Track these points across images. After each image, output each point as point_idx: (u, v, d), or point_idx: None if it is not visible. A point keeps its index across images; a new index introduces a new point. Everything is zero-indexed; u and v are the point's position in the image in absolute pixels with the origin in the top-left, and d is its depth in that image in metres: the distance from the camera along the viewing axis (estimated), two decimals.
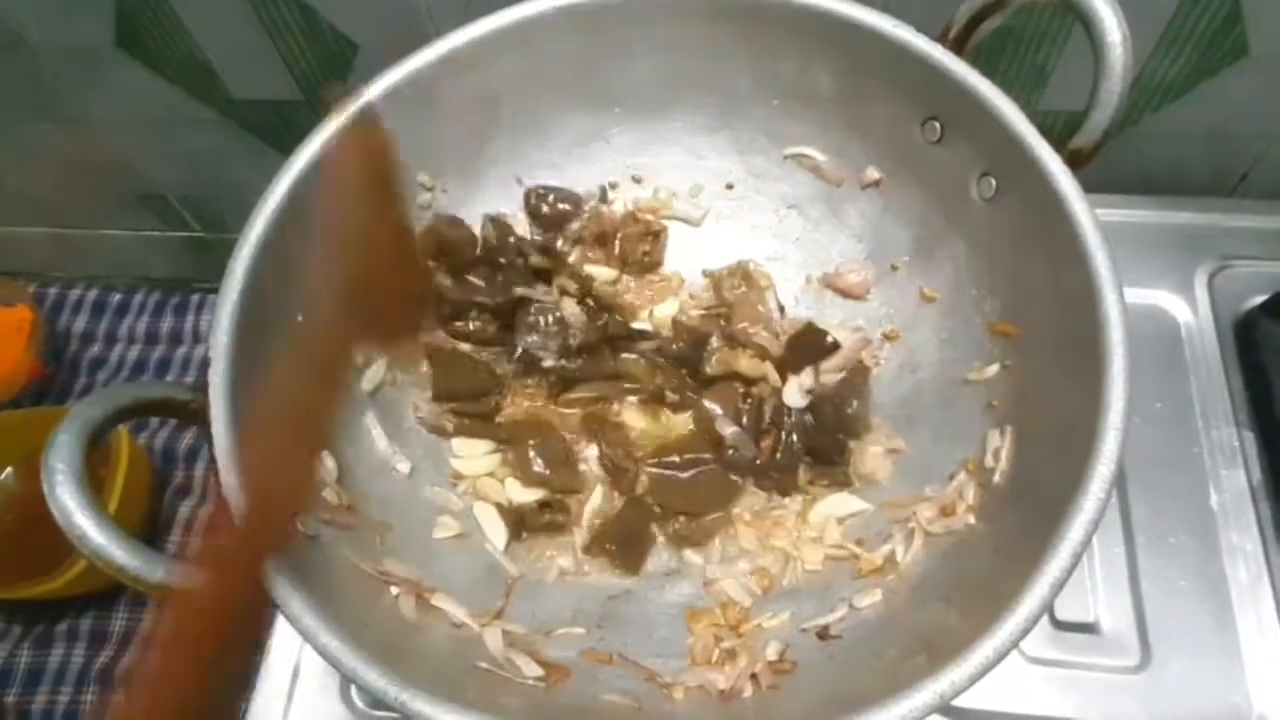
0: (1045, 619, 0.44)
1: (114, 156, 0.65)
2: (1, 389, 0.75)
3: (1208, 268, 0.51)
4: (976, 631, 0.28)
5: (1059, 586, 0.29)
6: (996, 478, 0.36)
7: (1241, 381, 0.48)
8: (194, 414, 0.33)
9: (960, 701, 0.41)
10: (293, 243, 0.37)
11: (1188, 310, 0.50)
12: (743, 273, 0.46)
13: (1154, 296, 0.50)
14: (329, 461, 0.37)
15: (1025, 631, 0.28)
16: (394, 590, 0.35)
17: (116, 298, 0.83)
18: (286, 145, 0.60)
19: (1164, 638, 0.42)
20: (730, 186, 0.47)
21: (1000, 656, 0.28)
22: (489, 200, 0.45)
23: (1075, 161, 0.35)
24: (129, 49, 0.55)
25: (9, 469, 0.74)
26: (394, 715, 0.42)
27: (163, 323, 0.81)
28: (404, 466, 0.41)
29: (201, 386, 0.33)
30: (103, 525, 0.28)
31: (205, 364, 0.81)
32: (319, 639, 0.29)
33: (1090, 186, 0.51)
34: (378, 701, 0.42)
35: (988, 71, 0.36)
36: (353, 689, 0.44)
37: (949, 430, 0.40)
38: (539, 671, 0.34)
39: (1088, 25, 0.33)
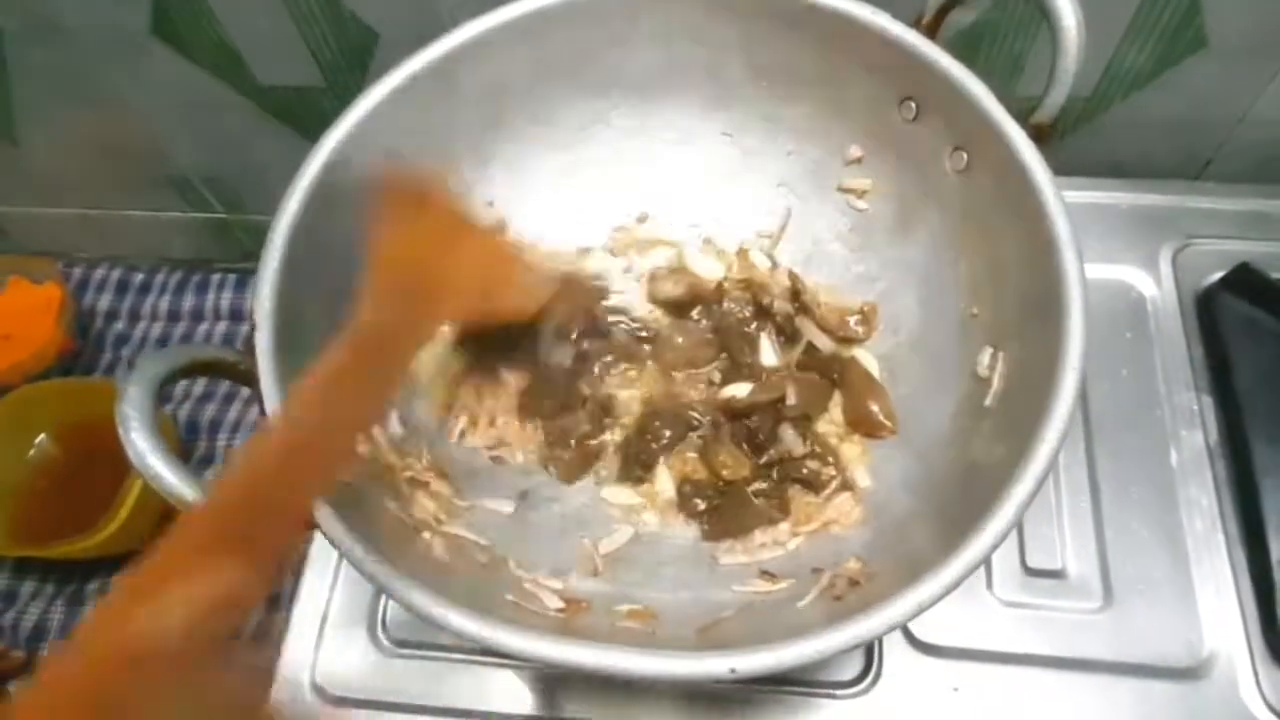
0: (1018, 566, 0.47)
1: (143, 140, 0.68)
2: (33, 362, 0.78)
3: (1172, 245, 0.54)
4: (950, 551, 0.31)
5: (1024, 507, 0.31)
6: None
7: (1201, 350, 0.51)
8: (243, 374, 0.36)
9: (939, 639, 0.45)
10: (323, 216, 0.40)
11: (1153, 285, 0.53)
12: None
13: (1122, 272, 0.54)
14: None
15: (993, 547, 0.31)
16: (425, 535, 0.38)
17: (140, 276, 0.86)
18: (310, 129, 0.64)
19: (1125, 582, 0.46)
20: (723, 165, 0.50)
21: (970, 570, 0.30)
22: (496, 181, 0.48)
23: (1038, 136, 0.38)
24: (162, 36, 0.58)
25: (42, 435, 0.77)
26: (418, 654, 0.46)
27: (184, 301, 0.84)
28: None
29: (250, 349, 0.36)
30: (173, 465, 0.31)
31: (227, 340, 0.84)
32: (366, 566, 0.32)
33: (1064, 170, 0.55)
34: (403, 641, 0.46)
35: (967, 60, 0.39)
36: (379, 630, 0.47)
37: (928, 385, 0.43)
38: (560, 604, 0.37)
39: (1045, 11, 0.36)
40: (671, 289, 0.50)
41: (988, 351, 0.39)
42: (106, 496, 0.69)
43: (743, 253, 0.50)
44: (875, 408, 0.44)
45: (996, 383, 0.38)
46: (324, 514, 0.33)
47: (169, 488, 0.31)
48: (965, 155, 0.40)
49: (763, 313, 0.48)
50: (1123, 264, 0.54)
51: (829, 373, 0.46)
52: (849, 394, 0.45)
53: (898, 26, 0.40)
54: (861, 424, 0.44)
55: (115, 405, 0.32)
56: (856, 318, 0.47)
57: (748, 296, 0.49)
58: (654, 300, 0.50)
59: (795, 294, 0.47)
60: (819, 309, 0.47)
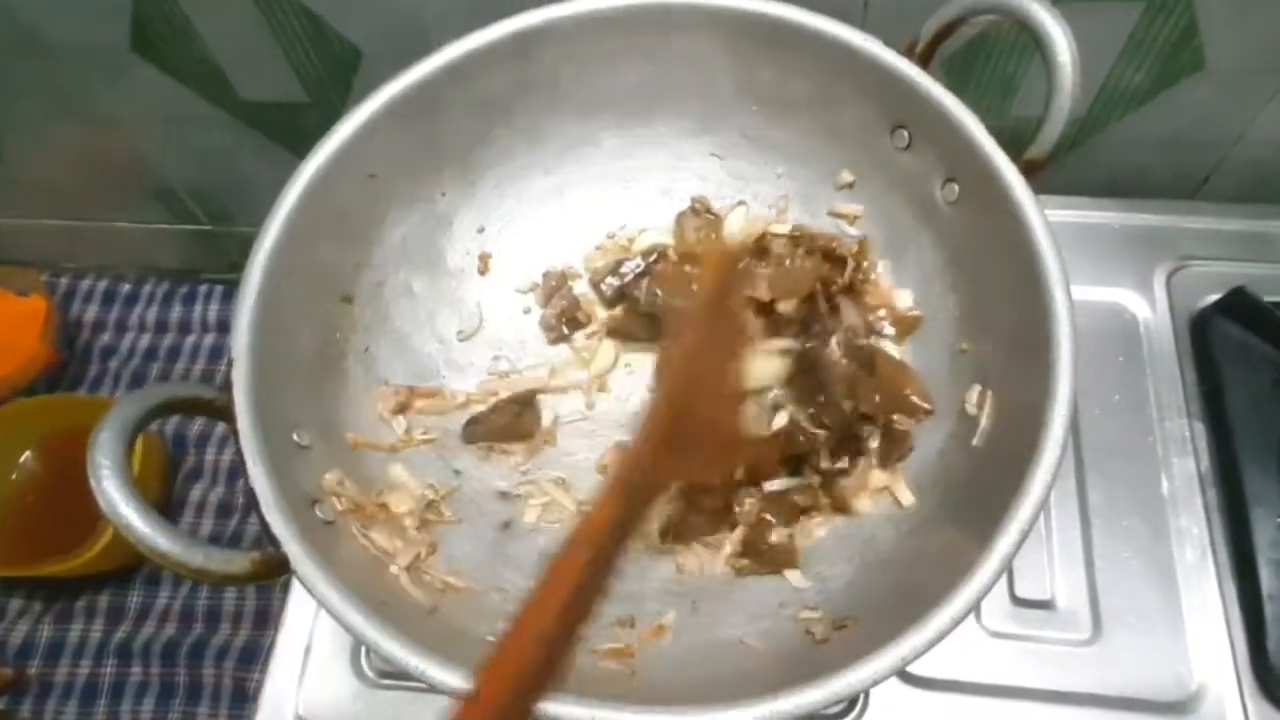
0: (1006, 596, 0.47)
1: (127, 153, 0.68)
2: (18, 376, 0.78)
3: (1167, 267, 0.54)
4: (938, 598, 0.31)
5: (1009, 558, 0.31)
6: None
7: (1195, 375, 0.51)
8: (220, 411, 0.35)
9: (928, 672, 0.45)
10: (305, 243, 0.39)
11: (1147, 308, 0.53)
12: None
13: (1116, 295, 0.53)
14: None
15: (979, 598, 0.30)
16: (405, 576, 0.38)
17: (126, 287, 0.85)
18: (293, 144, 0.64)
19: (1114, 613, 0.45)
20: (711, 187, 0.49)
21: (956, 622, 0.30)
22: (483, 203, 0.47)
23: (1030, 170, 0.37)
24: (143, 52, 0.57)
25: (28, 452, 0.77)
26: (400, 684, 0.46)
27: (171, 312, 0.83)
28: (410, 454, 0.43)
29: (226, 385, 0.35)
30: (146, 515, 0.30)
31: (215, 352, 0.84)
32: (346, 617, 0.31)
33: (1059, 189, 0.54)
34: (386, 672, 0.46)
35: (961, 81, 0.39)
36: (362, 661, 0.47)
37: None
38: None
39: (1041, 46, 0.36)
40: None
41: (976, 389, 0.39)
42: (94, 513, 0.68)
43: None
44: (909, 391, 0.42)
45: (984, 422, 0.38)
46: (299, 558, 0.32)
47: (140, 537, 0.31)
48: (956, 187, 0.40)
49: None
50: (1116, 286, 0.53)
51: (862, 360, 0.43)
52: (881, 382, 0.43)
53: (890, 55, 0.39)
54: (898, 407, 0.42)
55: (88, 451, 0.31)
56: (889, 319, 0.44)
57: (799, 253, 0.45)
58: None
59: (859, 264, 0.44)
60: (866, 296, 0.45)
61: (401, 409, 0.44)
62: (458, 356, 0.47)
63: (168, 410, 0.35)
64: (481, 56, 0.42)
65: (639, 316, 0.48)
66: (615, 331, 0.48)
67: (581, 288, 0.49)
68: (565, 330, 0.48)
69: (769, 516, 0.41)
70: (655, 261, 0.48)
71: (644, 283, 0.48)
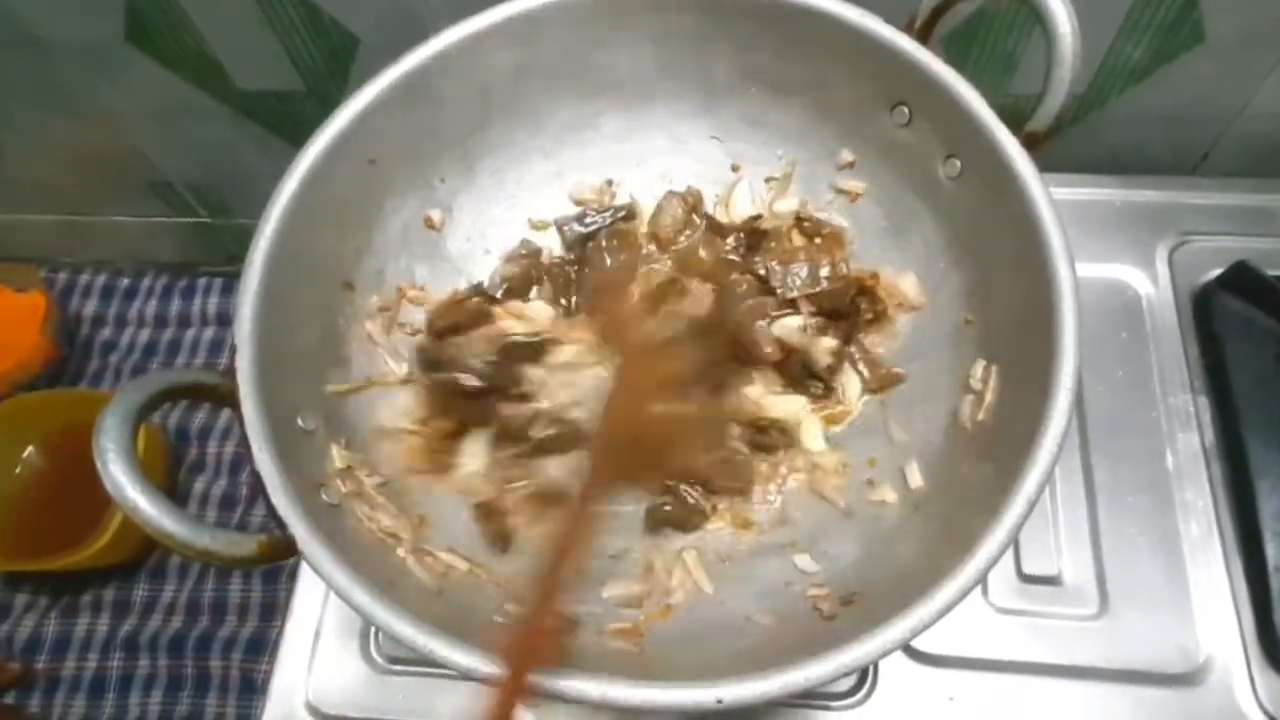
0: (1013, 573, 0.47)
1: (123, 146, 0.67)
2: (19, 372, 0.77)
3: (1169, 243, 0.54)
4: (944, 572, 0.31)
5: (1015, 530, 0.31)
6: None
7: (1198, 350, 0.51)
8: (224, 396, 0.35)
9: (937, 648, 0.45)
10: (305, 230, 0.39)
11: (1149, 283, 0.53)
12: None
13: (1118, 271, 0.53)
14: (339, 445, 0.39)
15: (986, 571, 0.30)
16: (411, 559, 0.38)
17: (125, 282, 0.85)
18: (291, 134, 0.63)
19: (1121, 588, 0.45)
20: (713, 169, 0.49)
21: (964, 594, 0.30)
22: (483, 190, 0.47)
23: (1031, 144, 0.37)
24: (138, 44, 0.57)
25: (31, 447, 0.77)
26: (410, 669, 0.46)
27: (170, 306, 0.83)
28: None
29: (230, 372, 0.35)
30: (153, 498, 0.30)
31: (215, 345, 0.84)
32: (354, 597, 0.31)
33: (1059, 166, 0.54)
34: (395, 658, 0.46)
35: (960, 58, 0.38)
36: (371, 647, 0.47)
37: (921, 393, 0.42)
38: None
39: (1040, 18, 0.35)
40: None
41: (980, 364, 0.39)
42: (98, 507, 0.69)
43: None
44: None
45: (989, 396, 0.38)
46: (307, 540, 0.32)
47: (148, 519, 0.30)
48: (958, 163, 0.40)
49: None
50: (1118, 262, 0.53)
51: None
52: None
53: (889, 30, 0.39)
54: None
55: (94, 436, 0.31)
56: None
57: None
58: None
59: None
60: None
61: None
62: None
63: (171, 396, 0.35)
64: (478, 41, 0.42)
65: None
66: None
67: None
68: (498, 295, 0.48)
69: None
70: (623, 217, 0.48)
71: (603, 236, 0.48)
